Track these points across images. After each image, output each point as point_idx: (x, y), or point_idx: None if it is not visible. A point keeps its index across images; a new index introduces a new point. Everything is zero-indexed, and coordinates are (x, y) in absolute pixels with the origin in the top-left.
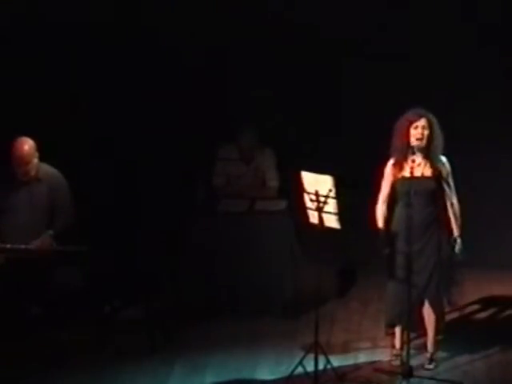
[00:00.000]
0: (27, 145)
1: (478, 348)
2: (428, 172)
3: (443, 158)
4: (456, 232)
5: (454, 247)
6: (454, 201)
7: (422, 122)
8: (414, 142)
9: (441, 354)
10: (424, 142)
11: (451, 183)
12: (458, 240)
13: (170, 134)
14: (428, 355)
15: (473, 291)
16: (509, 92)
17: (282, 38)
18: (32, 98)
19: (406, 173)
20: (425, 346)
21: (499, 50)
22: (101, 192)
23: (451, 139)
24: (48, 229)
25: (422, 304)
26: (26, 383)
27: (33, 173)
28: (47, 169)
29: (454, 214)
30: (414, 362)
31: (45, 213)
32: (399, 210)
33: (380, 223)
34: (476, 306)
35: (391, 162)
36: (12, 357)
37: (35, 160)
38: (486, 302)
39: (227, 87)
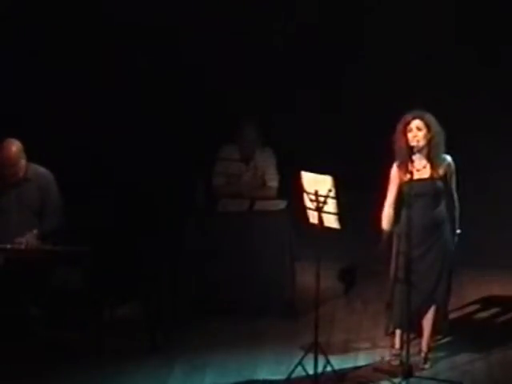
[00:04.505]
0: (14, 146)
1: (478, 348)
2: (433, 173)
3: (448, 158)
4: (456, 227)
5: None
6: (455, 200)
7: (417, 124)
8: (411, 143)
9: (441, 354)
10: (421, 143)
11: (453, 182)
12: (456, 236)
13: (170, 133)
14: (422, 355)
15: (473, 291)
16: (509, 90)
17: (282, 37)
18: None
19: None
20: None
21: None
22: (100, 192)
23: (451, 138)
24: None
25: (428, 307)
26: (26, 383)
27: (21, 174)
28: (36, 168)
29: (455, 213)
30: (413, 362)
31: (35, 213)
32: (403, 212)
33: (385, 225)
34: (476, 306)
35: (395, 164)
36: (11, 357)
37: (23, 161)
38: (486, 302)
39: (227, 87)
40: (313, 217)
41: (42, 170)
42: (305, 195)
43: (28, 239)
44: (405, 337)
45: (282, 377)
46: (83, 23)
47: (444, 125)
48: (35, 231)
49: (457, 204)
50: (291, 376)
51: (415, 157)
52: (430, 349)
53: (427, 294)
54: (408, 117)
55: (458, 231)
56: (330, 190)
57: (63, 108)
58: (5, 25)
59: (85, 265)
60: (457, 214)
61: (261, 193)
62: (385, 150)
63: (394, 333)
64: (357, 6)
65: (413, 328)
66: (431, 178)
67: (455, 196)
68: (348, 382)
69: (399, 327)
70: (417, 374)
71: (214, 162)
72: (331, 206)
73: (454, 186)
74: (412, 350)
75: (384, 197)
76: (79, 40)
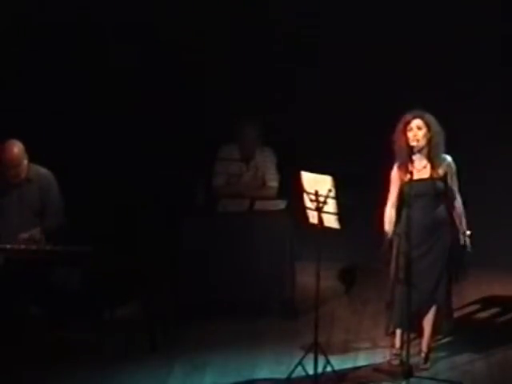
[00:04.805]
0: (16, 147)
1: (478, 348)
2: (433, 173)
3: (448, 157)
4: (464, 228)
5: (464, 244)
6: (457, 200)
7: (416, 123)
8: (411, 143)
9: (441, 354)
10: (421, 142)
11: (454, 182)
12: (467, 237)
13: (170, 133)
14: (423, 355)
15: (473, 291)
16: (509, 89)
17: (281, 38)
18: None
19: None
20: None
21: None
22: (101, 192)
23: (451, 138)
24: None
25: (429, 307)
26: (26, 383)
27: (23, 175)
28: (37, 169)
29: (458, 213)
30: (413, 362)
31: (36, 213)
32: (404, 212)
33: (387, 226)
34: (476, 306)
35: (396, 165)
36: (11, 357)
37: (25, 162)
38: (486, 302)
39: (227, 87)
40: (313, 217)
41: (43, 170)
42: (305, 195)
43: (33, 234)
44: (405, 337)
45: (282, 377)
46: (83, 23)
47: (444, 125)
48: (39, 228)
49: (460, 204)
50: (291, 376)
51: (415, 157)
52: (430, 349)
53: (428, 293)
54: (408, 116)
55: (468, 232)
56: (330, 190)
57: (63, 108)
58: (5, 25)
59: (85, 265)
60: (462, 214)
61: (261, 193)
62: (385, 149)
63: (394, 333)
64: (356, 6)
65: (413, 328)
66: (431, 178)
67: (457, 196)
68: (348, 382)
69: (399, 327)
70: (417, 374)
71: (213, 162)
72: (331, 205)
73: (455, 186)
74: (412, 350)
75: (385, 197)
76: (79, 40)
